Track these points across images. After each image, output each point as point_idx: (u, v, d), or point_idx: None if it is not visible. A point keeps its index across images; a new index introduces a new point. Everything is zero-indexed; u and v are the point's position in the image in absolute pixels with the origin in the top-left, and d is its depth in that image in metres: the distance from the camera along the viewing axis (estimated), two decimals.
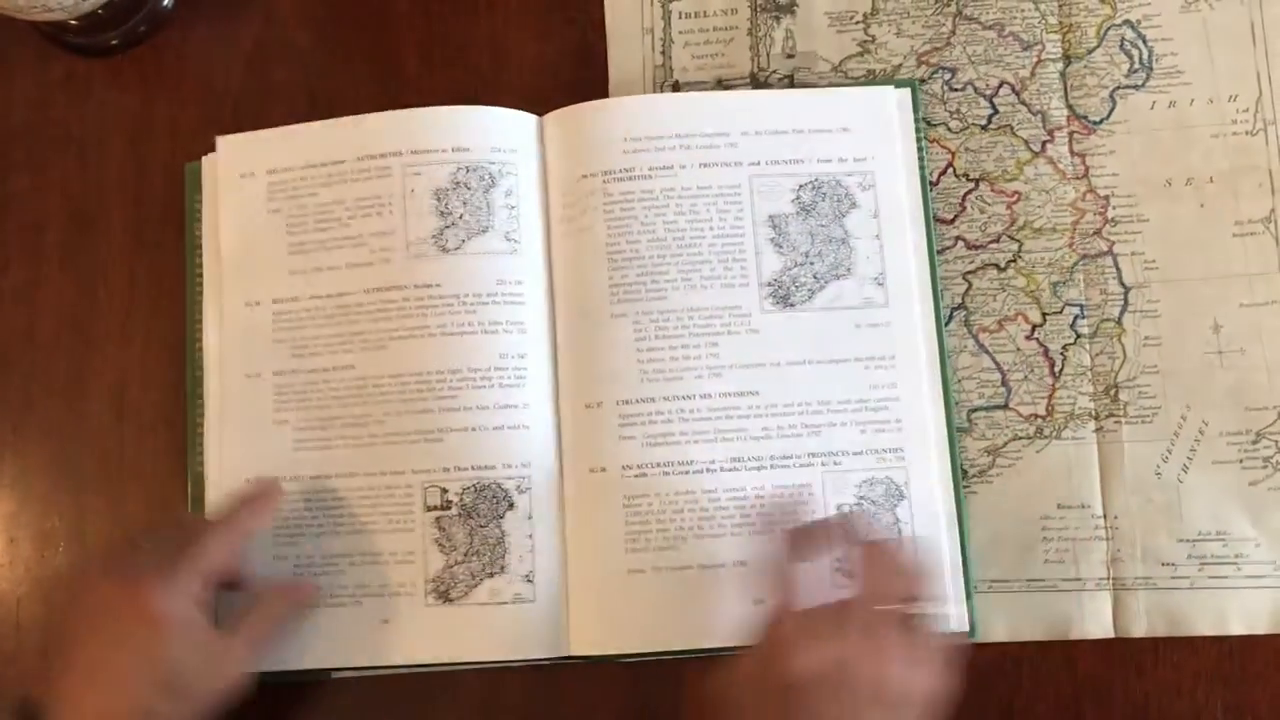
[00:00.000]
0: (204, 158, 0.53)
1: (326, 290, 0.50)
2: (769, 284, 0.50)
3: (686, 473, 0.48)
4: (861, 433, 0.48)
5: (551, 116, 0.51)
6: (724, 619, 0.47)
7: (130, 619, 0.40)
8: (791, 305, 0.49)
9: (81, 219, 0.54)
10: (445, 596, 0.47)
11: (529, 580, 0.48)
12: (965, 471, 0.49)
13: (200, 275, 0.52)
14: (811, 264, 0.50)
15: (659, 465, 0.48)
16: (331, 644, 0.48)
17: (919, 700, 0.37)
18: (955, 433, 0.49)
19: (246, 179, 0.52)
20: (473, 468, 0.48)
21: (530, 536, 0.48)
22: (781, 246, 0.50)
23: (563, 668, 0.48)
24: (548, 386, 0.49)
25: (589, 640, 0.47)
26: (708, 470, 0.48)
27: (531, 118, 0.51)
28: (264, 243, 0.51)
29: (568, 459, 0.49)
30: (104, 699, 0.39)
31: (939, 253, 0.51)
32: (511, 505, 0.48)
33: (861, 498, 0.48)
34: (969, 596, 0.47)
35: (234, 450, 0.50)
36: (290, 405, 0.50)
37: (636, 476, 0.48)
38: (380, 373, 0.49)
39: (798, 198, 0.50)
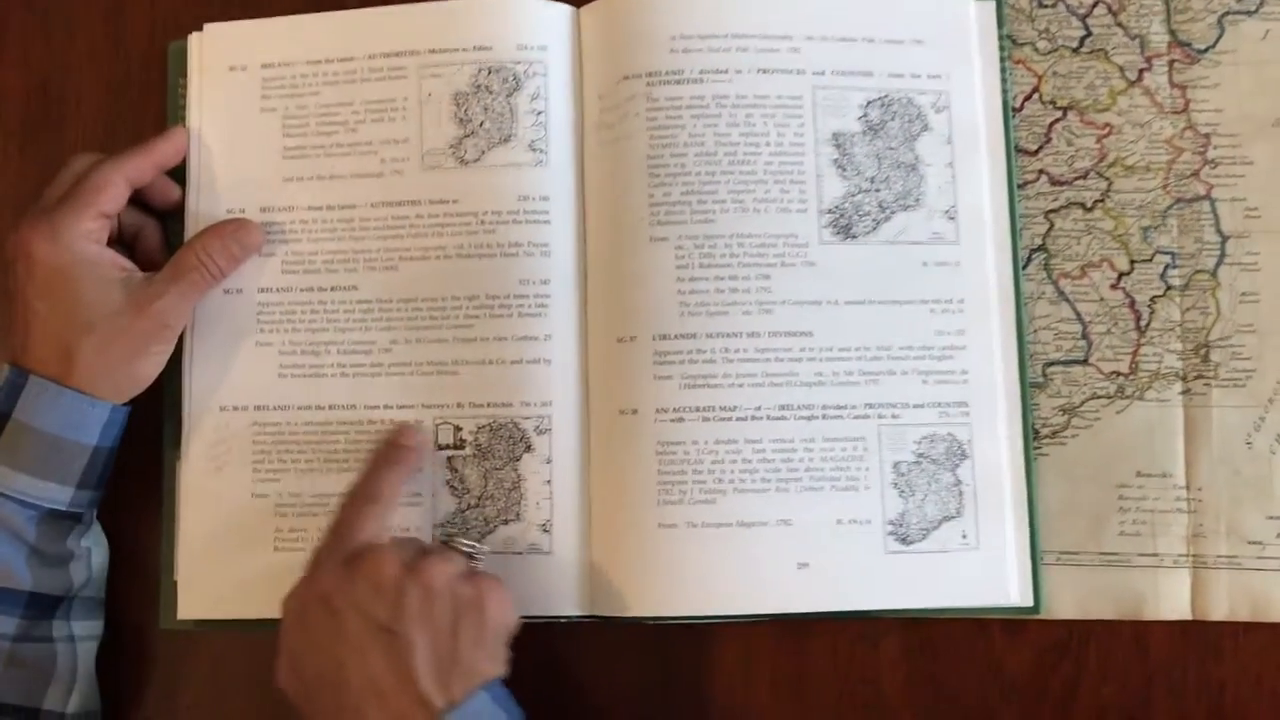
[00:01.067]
0: (191, 35, 0.47)
1: (327, 201, 0.45)
2: (830, 211, 0.44)
3: (729, 419, 0.43)
4: (924, 383, 0.44)
5: (590, 8, 0.46)
6: (763, 583, 0.42)
7: (24, 265, 0.41)
8: (853, 237, 0.44)
9: (45, 98, 0.50)
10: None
11: (545, 530, 0.43)
12: (1037, 431, 0.44)
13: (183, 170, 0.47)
14: (877, 191, 0.45)
15: (698, 409, 0.43)
16: None
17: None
18: (1028, 388, 0.44)
19: (236, 72, 0.47)
20: (488, 404, 0.43)
21: (548, 482, 0.43)
22: (845, 169, 0.44)
23: (581, 627, 0.44)
24: (574, 317, 0.44)
25: (611, 599, 0.43)
26: (752, 418, 0.43)
27: (566, 9, 0.46)
28: (253, 144, 0.46)
29: (594, 399, 0.44)
30: (32, 340, 0.41)
31: (1019, 187, 0.46)
32: (529, 447, 0.43)
33: (920, 455, 0.43)
34: (1035, 569, 0.43)
35: (207, 372, 0.45)
36: (276, 326, 0.45)
37: (672, 421, 0.43)
38: (389, 296, 0.44)
39: (865, 115, 0.45)
